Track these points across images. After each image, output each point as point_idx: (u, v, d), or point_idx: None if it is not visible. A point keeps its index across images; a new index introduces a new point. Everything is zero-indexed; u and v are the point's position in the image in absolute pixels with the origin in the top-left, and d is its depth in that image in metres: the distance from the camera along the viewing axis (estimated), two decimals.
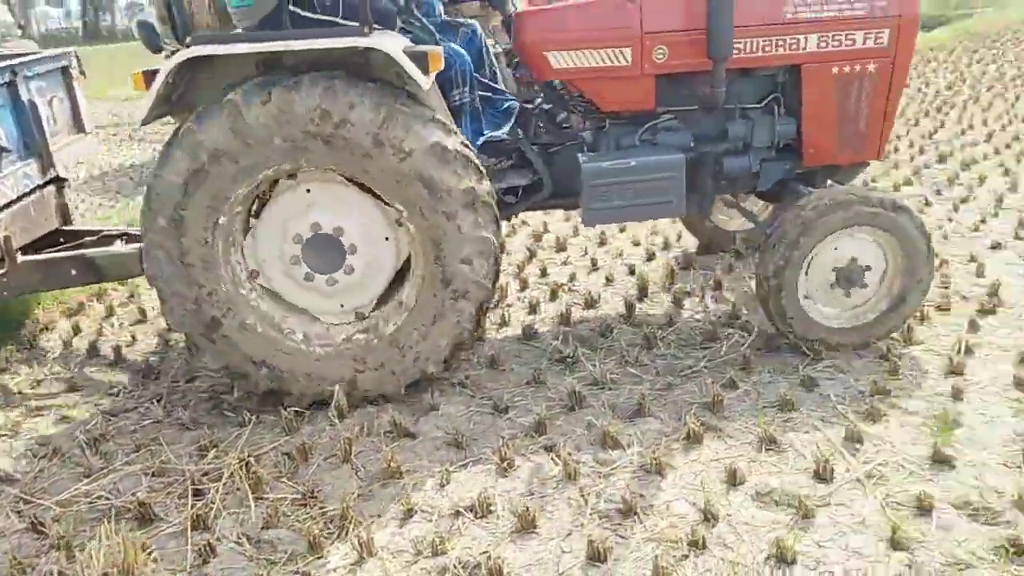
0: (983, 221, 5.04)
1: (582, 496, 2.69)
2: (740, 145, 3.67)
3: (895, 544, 2.36)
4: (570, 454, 2.88)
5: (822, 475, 2.68)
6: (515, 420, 3.18)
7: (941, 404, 3.05)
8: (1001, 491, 2.56)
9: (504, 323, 4.08)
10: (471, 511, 2.63)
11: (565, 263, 4.97)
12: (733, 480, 2.69)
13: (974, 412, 3.02)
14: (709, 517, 2.51)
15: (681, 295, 4.21)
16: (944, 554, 2.33)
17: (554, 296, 4.41)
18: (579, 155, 3.52)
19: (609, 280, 4.59)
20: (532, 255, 5.10)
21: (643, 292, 4.33)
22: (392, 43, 2.98)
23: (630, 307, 4.08)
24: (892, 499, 2.58)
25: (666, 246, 5.07)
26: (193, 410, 3.43)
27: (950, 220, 5.12)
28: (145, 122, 3.17)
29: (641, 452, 2.89)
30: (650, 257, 4.91)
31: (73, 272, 3.89)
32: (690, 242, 5.07)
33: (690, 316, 4.05)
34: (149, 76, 2.97)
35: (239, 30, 3.22)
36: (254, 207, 3.35)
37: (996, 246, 4.66)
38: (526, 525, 2.54)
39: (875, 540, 2.40)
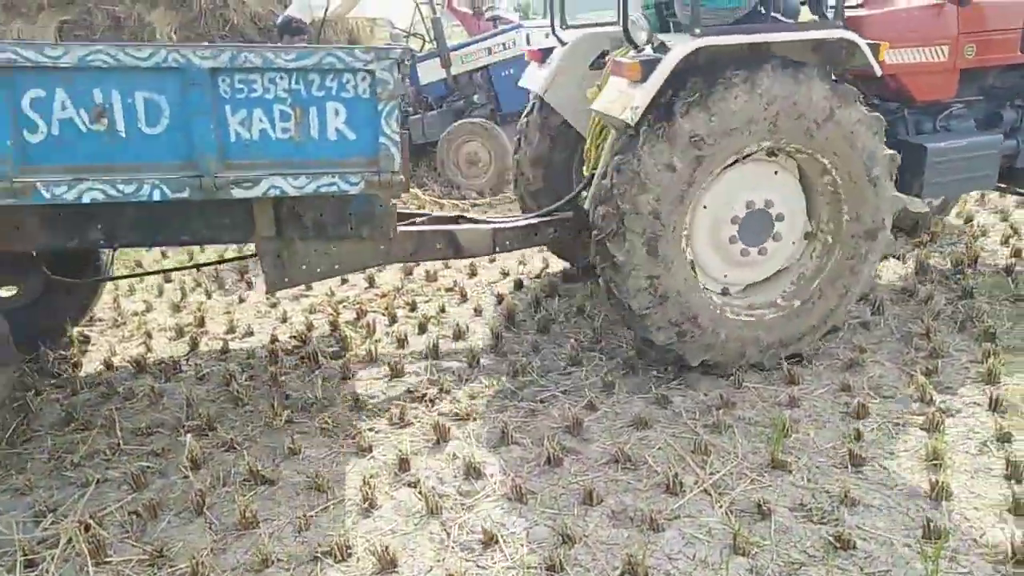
0: None
1: (444, 530, 2.69)
2: (1008, 129, 4.25)
3: (737, 550, 2.50)
4: (433, 488, 2.88)
5: (672, 489, 2.81)
6: (379, 459, 3.15)
7: (778, 413, 3.27)
8: (830, 491, 2.77)
9: (372, 360, 4.04)
10: (329, 556, 2.57)
11: (436, 293, 5.00)
12: (590, 500, 2.77)
13: (807, 418, 3.26)
14: (567, 540, 2.57)
15: (546, 322, 4.32)
16: (782, 556, 2.49)
17: (423, 330, 4.41)
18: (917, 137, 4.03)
19: (478, 311, 4.64)
20: (400, 288, 5.10)
21: (510, 321, 4.41)
22: (853, 34, 3.42)
23: (497, 337, 4.15)
24: (736, 506, 2.73)
25: (539, 275, 5.19)
26: (29, 473, 3.18)
27: None
28: (636, 111, 3.26)
29: (503, 480, 2.93)
30: (518, 286, 5.02)
31: (438, 246, 3.91)
32: (555, 269, 5.23)
33: (555, 343, 4.15)
34: (647, 65, 3.26)
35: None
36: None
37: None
38: (386, 565, 2.51)
39: (720, 548, 2.53)
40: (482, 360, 3.95)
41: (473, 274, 5.34)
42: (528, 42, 7.60)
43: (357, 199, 3.30)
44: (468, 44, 8.27)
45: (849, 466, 2.90)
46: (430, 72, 8.43)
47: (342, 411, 3.53)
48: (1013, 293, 4.29)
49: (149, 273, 5.16)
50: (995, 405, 3.19)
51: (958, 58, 4.04)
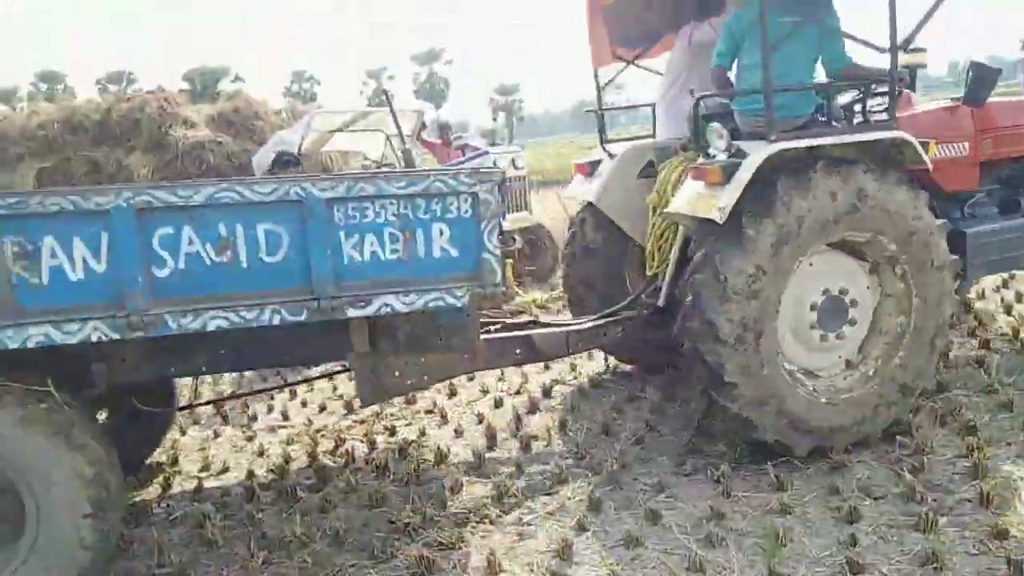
0: None
1: None
2: None
3: None
4: None
5: None
6: None
7: (770, 522, 3.20)
8: None
9: (351, 489, 3.92)
10: None
11: (416, 416, 4.93)
12: None
13: (800, 525, 3.19)
14: None
15: (528, 440, 4.25)
16: None
17: (403, 455, 4.32)
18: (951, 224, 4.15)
19: (459, 432, 4.57)
20: (379, 413, 5.02)
21: (492, 441, 4.33)
22: (907, 135, 3.77)
23: (480, 458, 4.06)
24: None
25: (519, 391, 5.16)
26: None
27: None
28: (723, 211, 3.46)
29: None
30: (498, 404, 4.97)
31: (517, 352, 4.01)
32: (535, 385, 5.21)
33: (539, 461, 4.07)
34: (727, 169, 3.54)
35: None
36: None
37: None
38: None
39: None
40: (465, 483, 3.85)
41: (453, 394, 5.30)
42: (495, 167, 7.91)
43: (446, 311, 3.34)
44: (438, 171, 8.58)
45: (848, 574, 2.81)
46: None
47: (321, 547, 3.39)
48: (986, 384, 4.33)
49: (232, 397, 5.27)
50: (986, 501, 3.15)
51: (978, 152, 4.49)
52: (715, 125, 3.84)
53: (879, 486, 3.44)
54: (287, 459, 4.38)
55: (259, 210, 2.85)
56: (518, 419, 4.60)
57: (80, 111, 9.36)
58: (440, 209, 2.99)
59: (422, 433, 4.62)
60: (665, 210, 4.07)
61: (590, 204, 4.89)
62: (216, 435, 4.99)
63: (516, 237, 8.12)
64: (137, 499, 4.05)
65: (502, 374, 5.54)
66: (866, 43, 3.95)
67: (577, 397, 4.88)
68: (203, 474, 4.36)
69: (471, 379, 5.54)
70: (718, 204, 3.48)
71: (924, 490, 3.29)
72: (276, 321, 2.90)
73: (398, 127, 8.47)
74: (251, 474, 4.25)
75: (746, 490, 3.52)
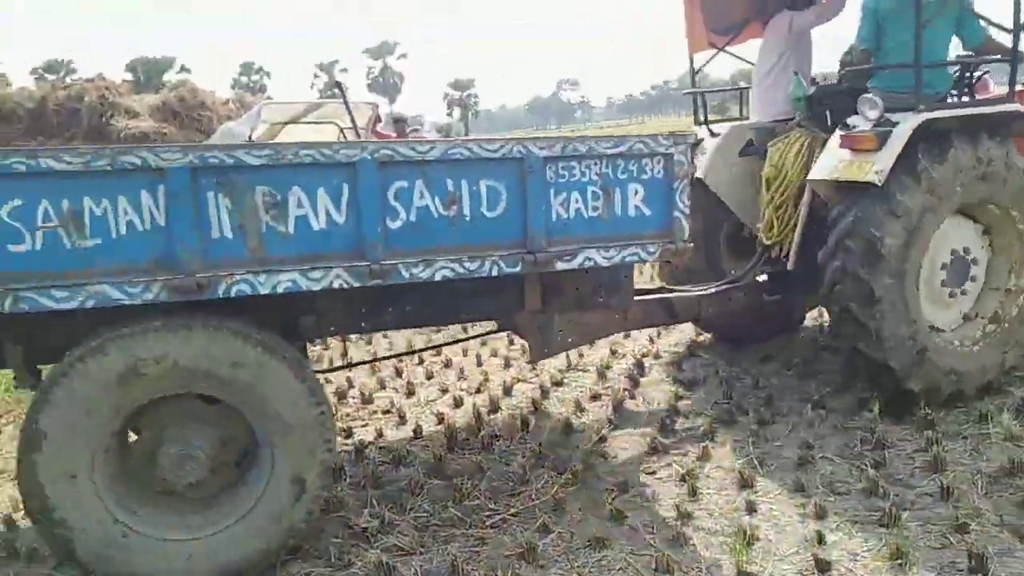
0: None
1: None
2: None
3: None
4: None
5: None
6: None
7: (736, 520, 3.17)
8: None
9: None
10: None
11: (373, 416, 4.79)
12: None
13: (767, 523, 3.16)
14: None
15: (489, 439, 4.16)
16: None
17: (360, 457, 4.18)
18: None
19: (418, 433, 4.45)
20: (335, 414, 4.86)
21: (452, 441, 4.22)
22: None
23: (440, 459, 3.95)
24: None
25: (479, 390, 5.06)
26: None
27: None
28: (881, 174, 3.75)
29: None
30: (458, 403, 4.86)
31: (660, 313, 4.30)
32: (496, 384, 5.11)
33: (501, 461, 3.98)
34: (881, 136, 3.80)
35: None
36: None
37: (766, 359, 5.15)
38: None
39: None
40: (426, 486, 3.73)
41: (411, 393, 5.16)
42: None
43: (607, 272, 3.55)
44: None
45: (816, 573, 2.79)
46: None
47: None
48: None
49: (387, 358, 5.38)
50: (947, 494, 3.18)
51: None
52: (868, 96, 4.02)
53: (843, 482, 3.44)
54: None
55: (484, 167, 3.01)
56: (479, 418, 4.50)
57: (12, 99, 8.93)
58: (637, 169, 3.20)
59: (379, 434, 4.49)
60: (810, 177, 4.24)
61: (697, 180, 4.87)
62: None
63: None
64: None
65: (462, 372, 5.43)
66: (991, 22, 4.26)
67: (538, 395, 4.80)
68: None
69: (429, 377, 5.43)
70: (875, 168, 3.76)
71: (887, 485, 3.30)
72: (495, 272, 3.07)
73: (352, 120, 8.28)
74: None
75: (712, 489, 3.49)
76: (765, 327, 5.40)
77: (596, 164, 3.14)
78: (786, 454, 3.76)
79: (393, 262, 2.92)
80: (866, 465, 3.51)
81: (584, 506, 3.43)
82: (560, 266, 3.15)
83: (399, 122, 10.38)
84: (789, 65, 4.96)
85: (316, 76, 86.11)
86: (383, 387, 5.31)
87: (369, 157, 2.82)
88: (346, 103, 8.12)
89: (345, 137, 9.93)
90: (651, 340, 5.90)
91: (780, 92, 4.93)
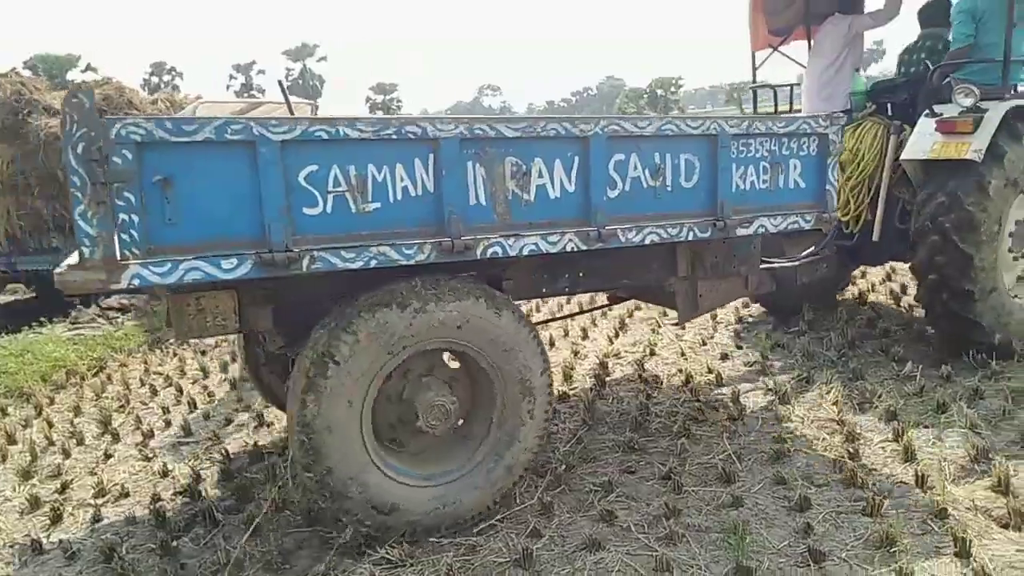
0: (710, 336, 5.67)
1: None
2: None
3: None
4: None
5: None
6: None
7: (726, 515, 3.20)
8: None
9: (279, 508, 3.59)
10: None
11: None
12: None
13: (755, 517, 3.20)
14: None
15: None
16: None
17: None
18: None
19: None
20: None
21: None
22: None
23: None
24: None
25: None
26: None
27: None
28: (979, 152, 4.37)
29: None
30: None
31: (767, 282, 4.49)
32: None
33: None
34: (976, 120, 4.40)
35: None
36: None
37: (724, 357, 5.25)
38: None
39: None
40: None
41: None
42: None
43: (741, 244, 4.00)
44: None
45: (812, 564, 2.83)
46: None
47: (253, 574, 3.07)
48: (895, 372, 4.58)
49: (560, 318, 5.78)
50: (922, 482, 3.30)
51: None
52: (966, 85, 4.51)
53: (820, 474, 3.53)
54: (197, 478, 3.98)
55: (685, 142, 3.38)
56: None
57: None
58: (797, 147, 3.67)
59: None
60: (903, 157, 4.72)
61: None
62: (107, 456, 4.47)
63: None
64: (20, 535, 3.54)
65: None
66: None
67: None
68: (98, 500, 3.88)
69: None
70: (972, 147, 4.35)
71: (864, 475, 3.40)
72: (690, 237, 3.44)
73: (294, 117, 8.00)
74: (157, 497, 3.83)
75: (695, 485, 3.52)
76: (809, 300, 5.87)
77: (768, 141, 3.59)
78: (761, 448, 3.83)
79: (612, 227, 3.22)
80: (842, 456, 3.61)
81: (572, 508, 3.40)
82: (740, 232, 3.56)
83: None
84: (846, 63, 5.54)
85: (232, 77, 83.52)
86: None
87: (600, 132, 3.15)
88: (287, 101, 7.83)
89: None
90: (610, 340, 5.94)
91: (838, 87, 5.48)
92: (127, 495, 3.94)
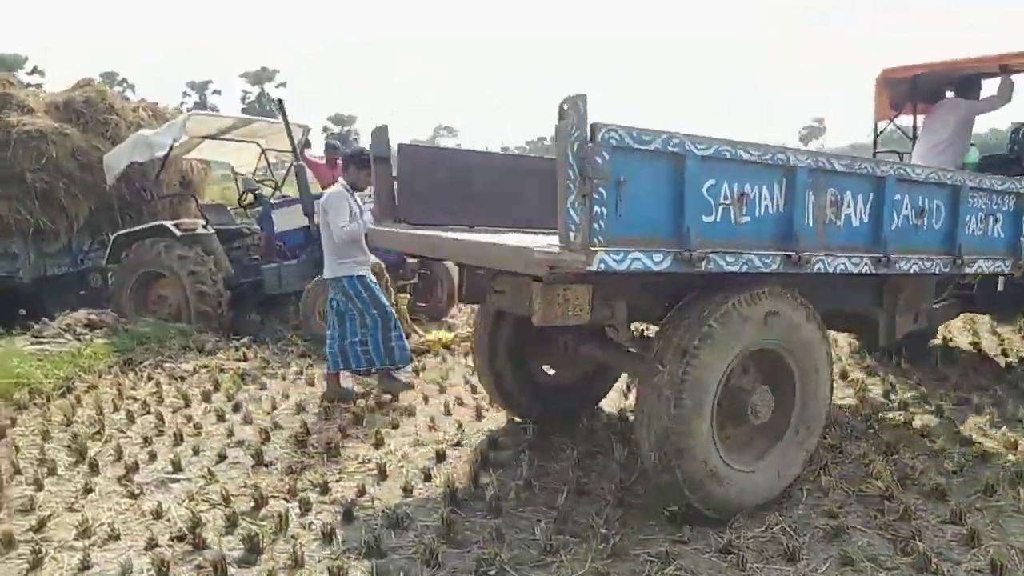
0: None
1: None
2: None
3: None
4: None
5: None
6: None
7: None
8: None
9: (297, 563, 3.21)
10: None
11: (345, 470, 4.25)
12: None
13: None
14: None
15: (496, 501, 3.76)
16: None
17: (350, 518, 3.65)
18: None
19: (407, 490, 3.97)
20: (303, 467, 4.29)
21: (454, 502, 3.79)
22: None
23: (448, 524, 3.51)
24: None
25: (458, 443, 4.65)
26: None
27: None
28: None
29: None
30: (440, 457, 4.42)
31: (923, 316, 4.80)
32: (474, 433, 4.72)
33: (516, 527, 3.60)
34: None
35: None
36: None
37: None
38: None
39: None
40: (440, 554, 3.29)
41: (379, 444, 4.66)
42: None
43: (925, 280, 4.54)
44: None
45: None
46: (287, 219, 7.86)
47: None
48: (932, 450, 4.49)
49: None
50: (1000, 571, 3.15)
51: None
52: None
53: (885, 555, 3.35)
54: (197, 522, 3.56)
55: (938, 189, 4.00)
56: (475, 476, 4.10)
57: None
58: (1003, 202, 4.37)
59: (362, 491, 3.97)
60: None
61: None
62: (87, 489, 3.99)
63: (415, 270, 7.62)
64: None
65: (432, 422, 5.00)
66: None
67: (538, 447, 4.45)
68: (84, 542, 3.42)
69: (395, 427, 4.96)
70: None
71: (937, 560, 3.23)
72: (936, 271, 4.13)
73: (291, 138, 7.72)
74: (153, 542, 3.40)
75: (758, 561, 3.29)
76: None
77: (989, 195, 4.24)
78: (815, 522, 3.64)
79: (893, 256, 3.76)
80: (899, 536, 3.45)
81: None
82: (967, 270, 4.22)
83: (332, 146, 9.86)
84: (958, 139, 6.19)
85: (186, 95, 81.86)
86: (345, 434, 4.78)
87: (893, 173, 3.73)
88: (286, 122, 7.56)
89: (266, 157, 9.28)
90: (624, 395, 5.73)
91: (948, 158, 6.02)
92: (117, 537, 3.49)
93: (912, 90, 6.63)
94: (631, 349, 4.28)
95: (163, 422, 5.04)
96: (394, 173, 4.41)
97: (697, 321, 3.35)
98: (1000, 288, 5.59)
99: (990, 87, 6.33)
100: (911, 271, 3.92)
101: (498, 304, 4.13)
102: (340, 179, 5.52)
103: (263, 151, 9.21)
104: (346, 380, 5.80)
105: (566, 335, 4.55)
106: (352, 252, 5.38)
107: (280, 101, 7.48)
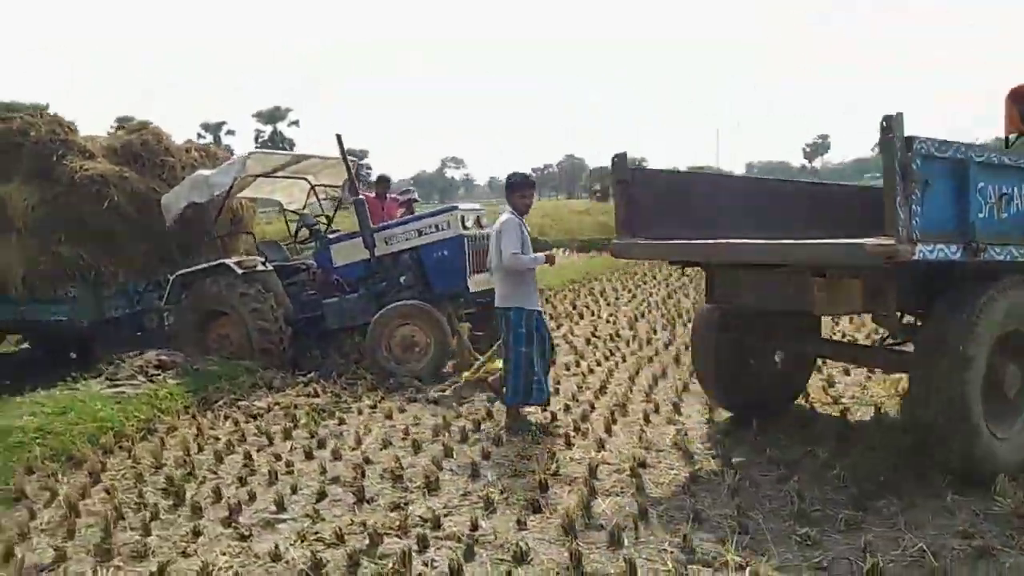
0: None
1: None
2: None
3: None
4: None
5: None
6: None
7: None
8: None
9: None
10: None
11: (448, 507, 4.17)
12: None
13: None
14: None
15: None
16: None
17: (471, 554, 3.57)
18: None
19: (522, 522, 3.89)
20: (406, 502, 4.21)
21: (573, 528, 3.70)
22: None
23: (578, 557, 3.42)
24: None
25: (555, 473, 4.56)
26: None
27: None
28: None
29: None
30: (543, 487, 4.34)
31: None
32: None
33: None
34: None
35: None
36: None
37: None
38: None
39: None
40: None
41: (475, 475, 4.58)
42: (463, 224, 7.35)
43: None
44: (393, 225, 7.90)
45: None
46: (346, 254, 7.88)
47: None
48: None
49: None
50: None
51: None
52: None
53: None
54: (318, 563, 3.49)
55: None
56: (587, 505, 3.99)
57: None
58: None
59: (475, 526, 3.87)
60: None
61: None
62: (196, 533, 3.93)
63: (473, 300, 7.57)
64: None
65: (522, 452, 4.92)
66: None
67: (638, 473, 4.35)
68: None
69: (486, 457, 4.88)
70: None
71: None
72: None
73: (349, 172, 7.77)
74: None
75: None
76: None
77: None
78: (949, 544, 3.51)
79: None
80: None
81: None
82: None
83: (381, 182, 9.96)
84: None
85: (200, 136, 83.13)
86: (439, 467, 4.70)
87: None
88: (345, 158, 7.60)
89: (316, 193, 9.34)
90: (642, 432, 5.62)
91: None
92: None
93: None
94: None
95: (252, 460, 4.99)
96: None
97: (972, 308, 3.83)
98: None
99: None
100: None
101: (755, 302, 4.70)
102: (507, 208, 5.59)
103: (312, 187, 9.26)
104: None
105: (782, 334, 5.21)
106: (528, 281, 5.46)
107: (338, 136, 7.54)
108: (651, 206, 4.78)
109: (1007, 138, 6.97)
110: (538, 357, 5.47)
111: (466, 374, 6.71)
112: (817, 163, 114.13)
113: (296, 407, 6.23)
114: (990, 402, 3.97)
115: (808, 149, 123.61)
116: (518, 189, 5.51)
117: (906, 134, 3.45)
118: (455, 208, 7.57)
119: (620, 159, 4.80)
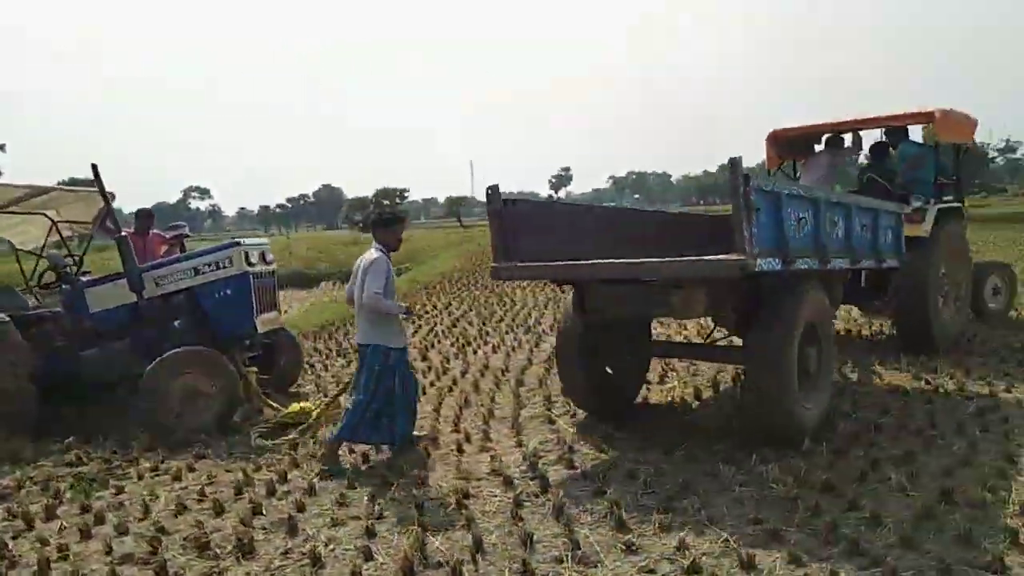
0: None
1: None
2: None
3: None
4: None
5: None
6: None
7: None
8: None
9: None
10: None
11: (271, 570, 3.83)
12: None
13: None
14: None
15: None
16: None
17: None
18: None
19: (357, 574, 3.68)
20: (219, 571, 3.79)
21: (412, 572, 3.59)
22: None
23: None
24: None
25: (379, 517, 4.38)
26: None
27: None
28: (927, 231, 7.75)
29: None
30: (371, 533, 4.15)
31: None
32: None
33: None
34: (920, 213, 7.80)
35: None
36: None
37: None
38: None
39: None
40: None
41: (293, 532, 4.26)
42: (247, 262, 6.83)
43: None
44: (164, 264, 7.11)
45: None
46: (106, 298, 6.96)
47: None
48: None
49: None
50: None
51: None
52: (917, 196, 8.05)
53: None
54: None
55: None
56: (422, 544, 3.89)
57: None
58: (888, 220, 6.46)
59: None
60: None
61: None
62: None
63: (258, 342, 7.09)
64: None
65: (343, 497, 4.67)
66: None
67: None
68: None
69: (301, 510, 4.56)
70: (924, 228, 7.65)
71: None
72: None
73: (110, 210, 6.90)
74: None
75: None
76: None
77: (886, 216, 6.40)
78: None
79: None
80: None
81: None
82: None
83: (142, 217, 8.94)
84: (829, 180, 8.83)
85: None
86: (249, 526, 4.31)
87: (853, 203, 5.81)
88: (101, 188, 6.71)
89: (58, 230, 8.16)
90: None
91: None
92: None
93: (793, 144, 9.26)
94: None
95: (9, 551, 4.18)
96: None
97: (789, 309, 5.02)
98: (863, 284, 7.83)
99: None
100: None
101: (621, 312, 5.53)
102: (374, 244, 5.47)
103: (54, 223, 8.09)
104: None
105: (634, 338, 6.34)
106: (392, 319, 5.41)
107: (94, 166, 6.64)
108: (520, 232, 5.38)
109: (768, 171, 9.00)
110: (400, 394, 5.40)
111: (274, 418, 6.38)
112: (562, 192, 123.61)
113: (57, 479, 5.35)
114: (800, 379, 5.07)
115: (554, 180, 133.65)
116: (390, 226, 5.55)
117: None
118: (238, 244, 7.01)
119: (494, 191, 5.24)
